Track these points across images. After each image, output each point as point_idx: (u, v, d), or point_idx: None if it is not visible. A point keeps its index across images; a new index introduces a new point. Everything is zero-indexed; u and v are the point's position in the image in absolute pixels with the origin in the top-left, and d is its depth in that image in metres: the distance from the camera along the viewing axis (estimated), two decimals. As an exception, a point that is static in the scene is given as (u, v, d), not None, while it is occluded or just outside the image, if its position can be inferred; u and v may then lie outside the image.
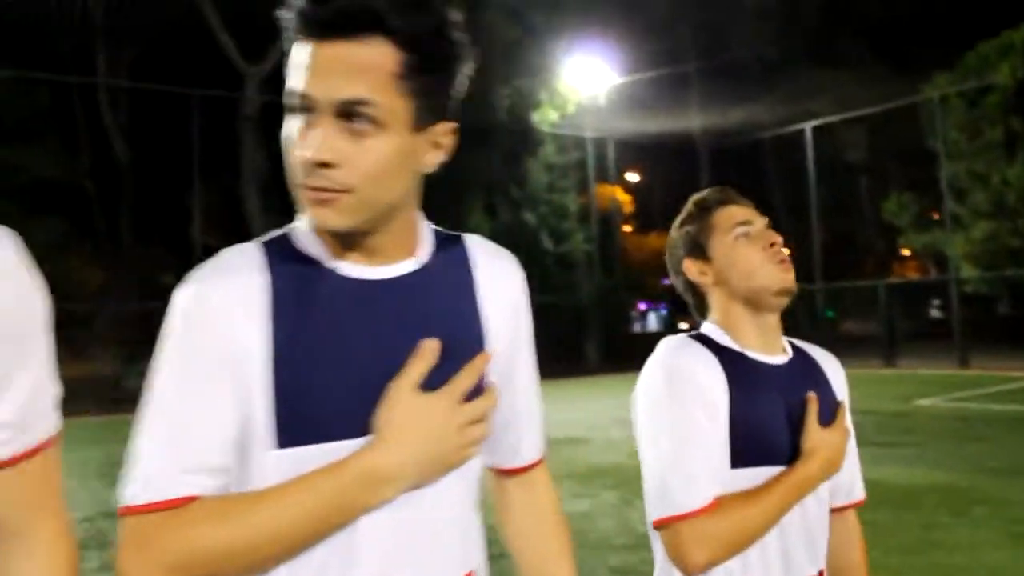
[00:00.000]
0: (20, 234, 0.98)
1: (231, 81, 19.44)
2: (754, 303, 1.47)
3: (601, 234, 23.98)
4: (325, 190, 0.94)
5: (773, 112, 24.31)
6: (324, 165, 0.93)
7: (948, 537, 5.16)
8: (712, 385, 1.37)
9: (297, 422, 0.96)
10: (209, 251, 1.11)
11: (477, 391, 1.05)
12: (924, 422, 10.49)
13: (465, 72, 1.02)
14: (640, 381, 1.44)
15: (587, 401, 14.24)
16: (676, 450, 1.34)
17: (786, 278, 1.45)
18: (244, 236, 1.16)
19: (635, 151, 25.44)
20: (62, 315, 0.95)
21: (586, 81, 22.91)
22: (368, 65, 0.93)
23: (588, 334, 22.89)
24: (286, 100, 0.96)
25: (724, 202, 1.53)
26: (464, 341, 1.06)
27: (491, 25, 21.70)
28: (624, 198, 28.79)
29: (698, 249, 1.52)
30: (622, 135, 24.22)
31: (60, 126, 20.37)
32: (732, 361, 1.42)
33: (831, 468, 1.41)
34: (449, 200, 20.52)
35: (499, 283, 1.14)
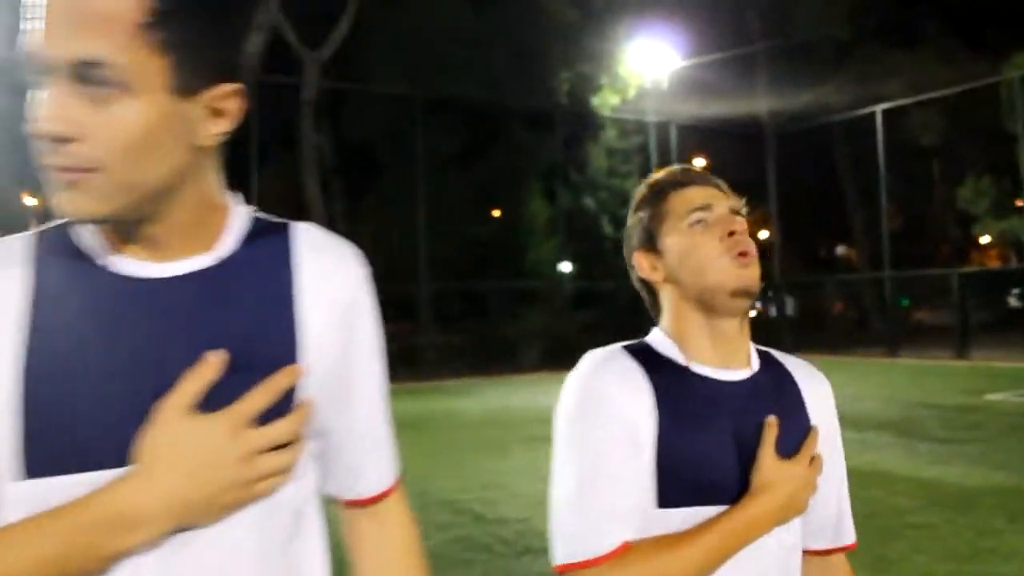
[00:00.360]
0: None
1: (290, 66, 19.62)
2: (707, 305, 1.22)
3: (662, 220, 23.71)
4: (68, 169, 0.78)
5: (843, 95, 23.54)
6: (63, 139, 0.77)
7: (1003, 544, 4.86)
8: (634, 408, 1.14)
9: (49, 447, 0.80)
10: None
11: (283, 412, 0.87)
12: (992, 418, 10.05)
13: (248, 22, 0.85)
14: (559, 400, 1.21)
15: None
16: (581, 485, 1.13)
17: (743, 275, 1.19)
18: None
19: (699, 135, 24.91)
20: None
21: (648, 64, 22.53)
22: (106, 14, 0.75)
23: (647, 320, 22.68)
24: (20, 61, 0.80)
25: (681, 184, 1.29)
26: (269, 352, 0.88)
27: (550, 8, 21.52)
28: (688, 183, 28.37)
29: (649, 240, 1.28)
30: (685, 119, 23.78)
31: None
32: (669, 378, 1.19)
33: (790, 508, 1.16)
34: (508, 185, 20.69)
35: (327, 282, 0.94)
